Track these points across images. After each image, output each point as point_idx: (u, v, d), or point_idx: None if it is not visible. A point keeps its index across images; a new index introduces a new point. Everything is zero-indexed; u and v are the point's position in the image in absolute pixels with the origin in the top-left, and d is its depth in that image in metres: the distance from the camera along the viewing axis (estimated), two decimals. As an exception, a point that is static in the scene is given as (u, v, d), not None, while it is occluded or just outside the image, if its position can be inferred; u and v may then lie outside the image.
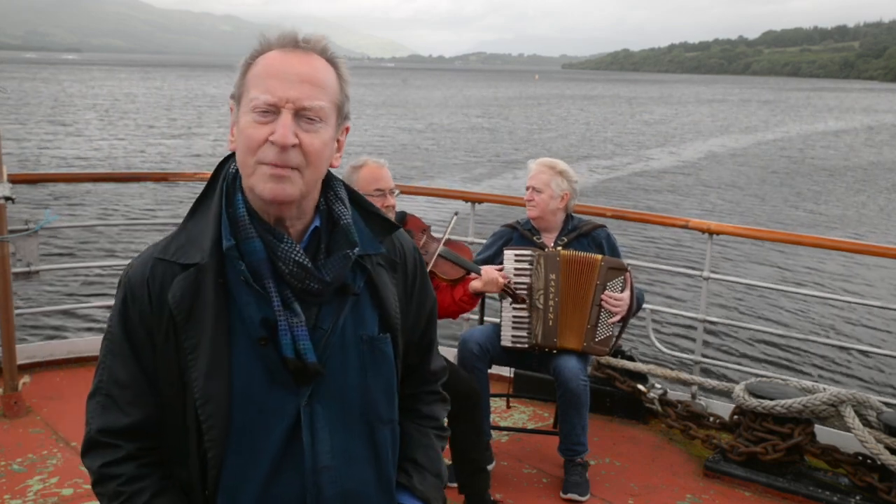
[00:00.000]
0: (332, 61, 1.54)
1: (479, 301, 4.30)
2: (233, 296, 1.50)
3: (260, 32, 1.55)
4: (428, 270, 3.55)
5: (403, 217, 3.70)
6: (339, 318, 1.56)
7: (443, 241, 3.68)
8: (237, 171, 1.56)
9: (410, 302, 1.70)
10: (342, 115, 1.57)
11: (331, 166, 1.58)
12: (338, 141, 1.58)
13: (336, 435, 1.55)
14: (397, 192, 3.62)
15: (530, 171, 4.15)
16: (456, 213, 3.89)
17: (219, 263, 1.50)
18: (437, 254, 3.62)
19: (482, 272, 3.72)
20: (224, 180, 1.58)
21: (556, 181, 4.07)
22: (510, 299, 3.90)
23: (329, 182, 1.61)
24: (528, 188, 4.15)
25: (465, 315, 5.43)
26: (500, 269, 3.88)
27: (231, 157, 1.60)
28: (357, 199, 1.65)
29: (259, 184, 1.48)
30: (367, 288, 1.60)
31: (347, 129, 1.60)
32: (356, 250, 1.56)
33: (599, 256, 3.98)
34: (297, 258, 1.49)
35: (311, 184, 1.52)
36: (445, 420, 1.88)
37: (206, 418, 1.47)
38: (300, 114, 1.47)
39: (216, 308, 1.48)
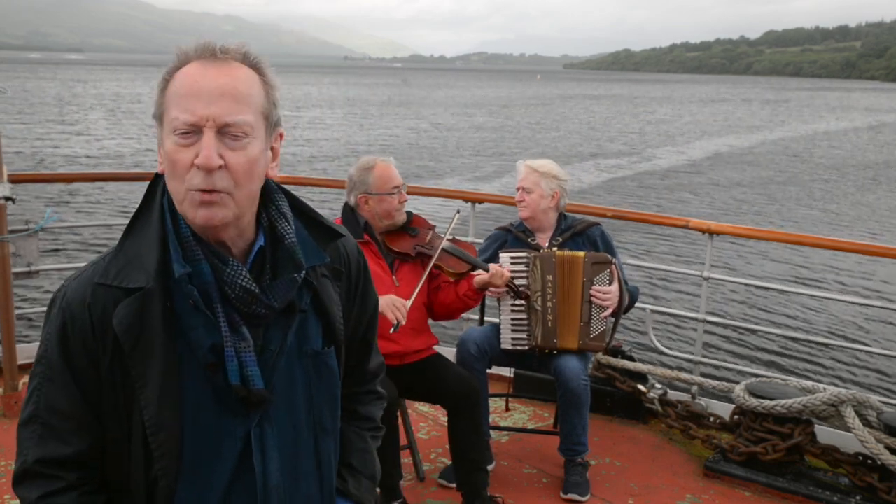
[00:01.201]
0: (255, 67, 1.45)
1: (481, 299, 4.31)
2: (180, 319, 1.44)
3: (177, 45, 1.45)
4: (433, 265, 3.58)
5: (411, 216, 3.71)
6: (287, 337, 1.52)
7: (446, 235, 3.70)
8: None
9: (352, 306, 1.68)
10: (272, 122, 1.48)
11: (267, 176, 1.50)
12: (272, 149, 1.50)
13: (284, 452, 1.54)
14: (406, 186, 3.64)
15: (519, 173, 4.14)
16: (458, 211, 3.91)
17: (164, 286, 1.43)
18: (441, 248, 3.63)
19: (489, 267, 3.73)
20: (164, 196, 1.49)
21: (546, 181, 4.07)
22: (511, 297, 3.89)
23: (270, 196, 1.54)
24: (518, 189, 4.14)
25: (465, 315, 5.43)
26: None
27: None
28: (300, 208, 1.59)
29: (189, 210, 1.41)
30: (312, 302, 1.57)
31: (282, 136, 1.53)
32: (302, 274, 1.51)
33: (582, 253, 3.97)
34: (243, 283, 1.44)
35: (245, 203, 1.45)
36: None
37: (157, 447, 1.42)
38: (223, 131, 1.38)
39: (164, 333, 1.42)
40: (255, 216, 1.51)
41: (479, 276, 3.69)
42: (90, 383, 1.45)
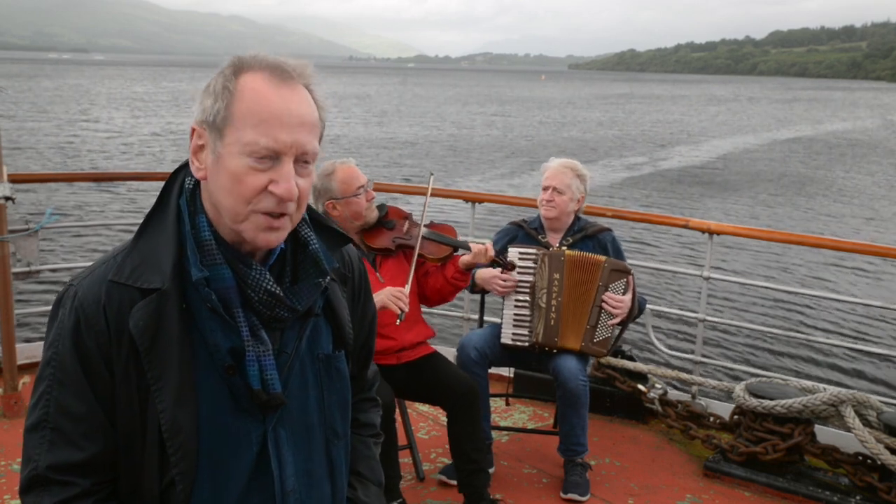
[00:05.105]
0: (311, 90, 1.47)
1: (479, 294, 4.29)
2: (195, 322, 1.43)
3: (235, 54, 1.43)
4: (416, 255, 3.58)
5: (384, 209, 3.70)
6: (302, 341, 1.53)
7: (422, 222, 3.67)
8: (194, 186, 1.48)
9: (356, 313, 1.69)
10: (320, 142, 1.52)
11: None
12: None
13: (299, 456, 1.53)
14: (371, 183, 3.63)
15: (549, 171, 4.11)
16: (429, 189, 3.89)
17: (180, 288, 1.42)
18: (420, 237, 3.62)
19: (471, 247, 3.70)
20: (182, 196, 1.48)
21: (576, 183, 4.07)
22: (499, 267, 3.87)
23: None
24: (546, 188, 4.10)
25: (465, 316, 5.44)
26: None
27: (182, 169, 1.52)
28: (310, 213, 1.59)
29: (251, 232, 1.41)
30: (323, 306, 1.58)
31: None
32: (327, 279, 1.53)
33: (603, 257, 3.97)
34: (268, 287, 1.44)
35: (297, 221, 1.48)
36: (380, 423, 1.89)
37: (174, 450, 1.40)
38: (298, 159, 1.41)
39: (180, 335, 1.41)
40: None
41: (464, 256, 3.68)
42: (104, 384, 1.42)
